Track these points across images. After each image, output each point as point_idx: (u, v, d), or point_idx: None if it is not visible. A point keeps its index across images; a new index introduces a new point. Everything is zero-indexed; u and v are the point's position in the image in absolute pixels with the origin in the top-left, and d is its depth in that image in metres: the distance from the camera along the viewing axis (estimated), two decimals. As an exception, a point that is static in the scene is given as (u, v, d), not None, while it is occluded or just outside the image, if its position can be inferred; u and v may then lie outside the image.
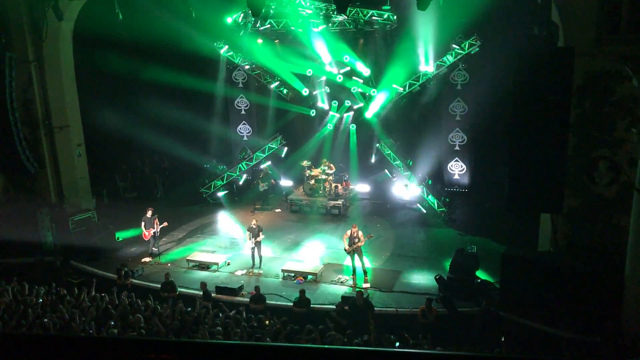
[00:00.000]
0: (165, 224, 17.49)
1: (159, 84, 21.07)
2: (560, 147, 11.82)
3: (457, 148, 20.84)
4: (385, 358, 1.95)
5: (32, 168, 17.59)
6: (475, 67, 19.35)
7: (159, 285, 14.84)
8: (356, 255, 15.05)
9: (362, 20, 19.47)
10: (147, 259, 17.21)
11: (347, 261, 15.58)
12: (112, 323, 11.47)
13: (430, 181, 20.39)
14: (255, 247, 16.20)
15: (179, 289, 14.64)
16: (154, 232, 17.13)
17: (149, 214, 17.23)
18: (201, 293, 14.15)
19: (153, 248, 17.32)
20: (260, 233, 16.21)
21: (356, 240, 14.91)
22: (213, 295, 14.36)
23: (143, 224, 17.21)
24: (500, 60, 16.67)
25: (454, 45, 19.12)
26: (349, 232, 15.12)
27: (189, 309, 12.87)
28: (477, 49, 18.85)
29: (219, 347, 1.98)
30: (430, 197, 20.05)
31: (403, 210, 20.82)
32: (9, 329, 10.92)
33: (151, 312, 12.44)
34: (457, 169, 21.00)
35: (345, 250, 15.14)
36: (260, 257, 16.32)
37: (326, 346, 1.91)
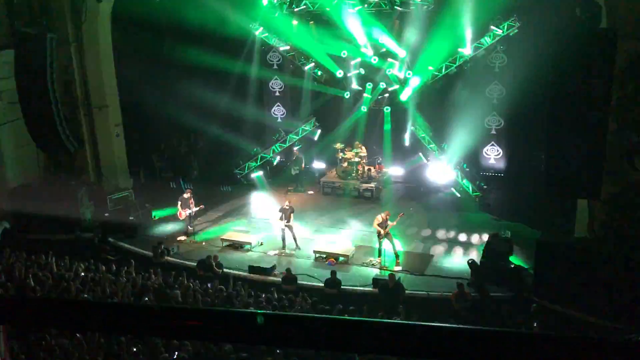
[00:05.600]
0: (202, 206, 17.75)
1: (194, 65, 21.17)
2: (600, 131, 11.56)
3: (493, 132, 20.46)
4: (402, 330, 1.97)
5: (71, 147, 18.04)
6: (514, 49, 18.85)
7: (195, 263, 15.12)
8: (387, 238, 15.07)
9: (398, 1, 19.21)
10: (182, 238, 17.55)
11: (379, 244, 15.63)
12: (146, 299, 11.78)
13: (465, 165, 20.15)
14: (286, 229, 16.31)
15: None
16: (190, 212, 17.44)
17: (187, 195, 17.55)
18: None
19: (189, 227, 17.64)
20: (292, 215, 16.30)
21: (387, 223, 14.91)
22: (245, 274, 14.60)
23: (179, 203, 17.53)
24: (539, 43, 16.23)
25: (492, 27, 18.69)
26: (379, 217, 15.12)
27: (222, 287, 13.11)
28: (516, 30, 18.40)
29: (245, 316, 2.04)
30: (465, 181, 19.83)
31: (437, 194, 20.64)
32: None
33: (186, 289, 12.73)
34: (493, 153, 20.67)
35: (377, 233, 15.16)
36: (295, 237, 16.39)
37: (350, 317, 1.94)
